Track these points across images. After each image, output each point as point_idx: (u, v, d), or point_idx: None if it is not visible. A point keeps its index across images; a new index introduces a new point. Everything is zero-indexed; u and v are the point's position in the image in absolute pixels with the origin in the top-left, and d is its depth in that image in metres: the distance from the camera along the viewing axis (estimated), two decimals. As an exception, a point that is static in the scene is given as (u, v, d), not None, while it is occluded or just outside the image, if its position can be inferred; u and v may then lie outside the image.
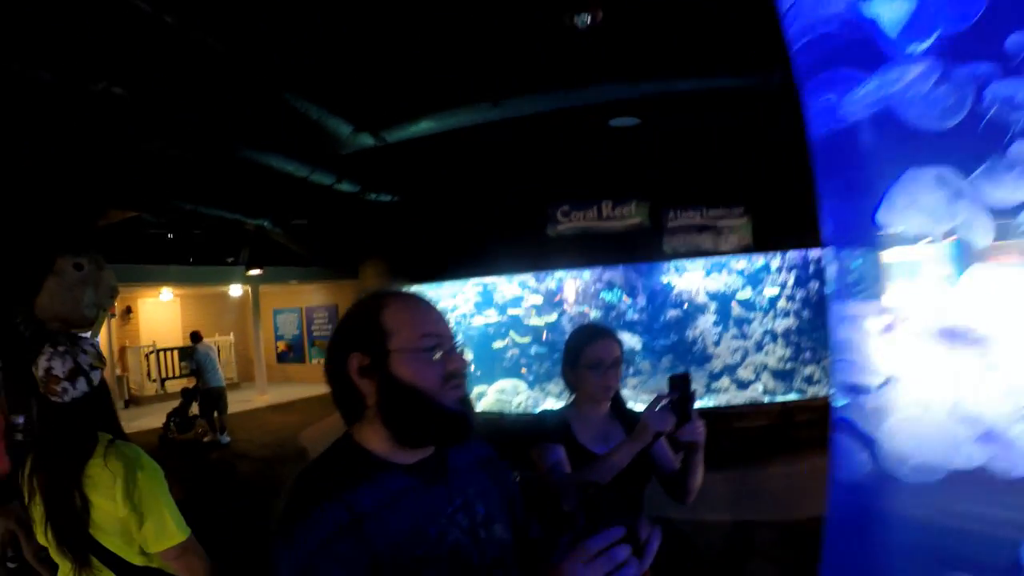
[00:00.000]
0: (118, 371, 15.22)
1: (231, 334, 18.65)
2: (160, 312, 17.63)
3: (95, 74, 4.55)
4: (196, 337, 11.40)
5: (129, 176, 6.97)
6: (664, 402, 2.26)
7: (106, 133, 5.56)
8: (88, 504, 2.09)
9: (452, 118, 5.50)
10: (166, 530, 2.12)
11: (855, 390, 1.98)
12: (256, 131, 5.90)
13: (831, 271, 2.12)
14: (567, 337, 2.66)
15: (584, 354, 2.51)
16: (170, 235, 10.51)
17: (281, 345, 20.10)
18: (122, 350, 16.11)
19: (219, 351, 15.14)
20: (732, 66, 5.06)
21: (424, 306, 1.39)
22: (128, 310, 16.62)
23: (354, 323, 1.37)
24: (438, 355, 1.32)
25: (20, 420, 4.29)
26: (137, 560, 2.16)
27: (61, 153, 5.96)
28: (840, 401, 2.03)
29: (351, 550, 1.16)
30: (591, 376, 2.50)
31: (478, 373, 10.06)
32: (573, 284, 9.62)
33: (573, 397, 2.65)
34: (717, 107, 6.01)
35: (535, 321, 9.70)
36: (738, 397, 8.82)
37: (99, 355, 2.28)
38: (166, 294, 17.35)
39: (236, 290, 17.42)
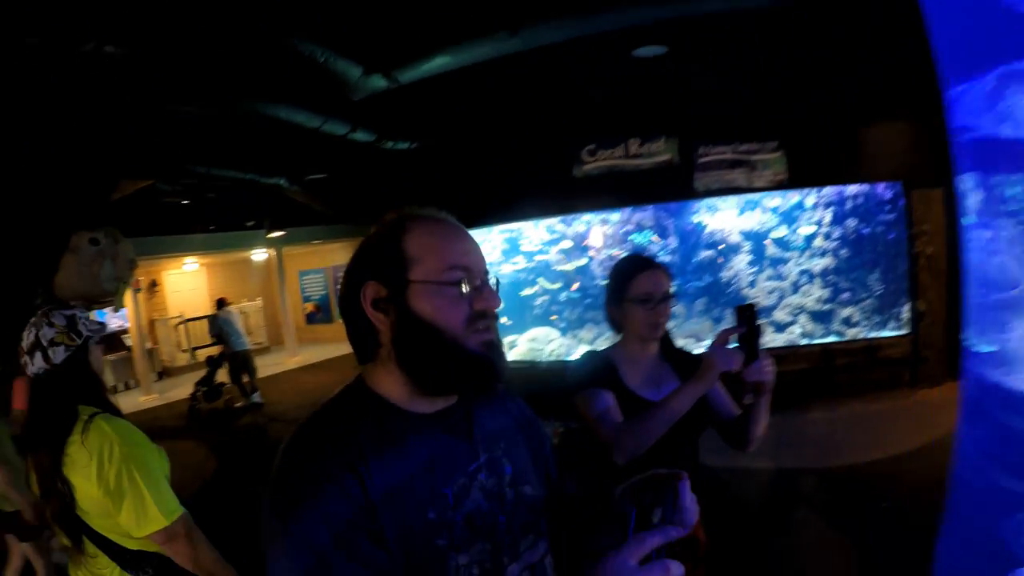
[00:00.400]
0: (148, 344, 15.13)
1: (258, 299, 18.60)
2: (186, 282, 17.65)
3: (83, 33, 4.32)
4: (221, 303, 11.34)
5: (136, 143, 6.80)
6: (731, 337, 2.04)
7: (105, 96, 5.35)
8: (70, 486, 1.94)
9: (468, 52, 5.18)
10: (147, 514, 1.93)
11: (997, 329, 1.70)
12: (261, 81, 5.63)
13: (975, 199, 1.77)
14: (611, 270, 2.41)
15: (631, 287, 2.28)
16: (186, 202, 10.36)
17: (309, 306, 20.08)
18: (151, 323, 16.16)
19: (247, 316, 15.08)
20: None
21: (455, 232, 1.21)
22: (153, 283, 16.71)
23: (373, 248, 1.20)
24: (465, 290, 1.14)
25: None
26: (130, 544, 1.99)
27: (64, 127, 5.80)
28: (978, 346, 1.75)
29: (371, 537, 1.02)
30: (639, 312, 2.27)
31: (509, 323, 9.89)
32: (601, 227, 9.33)
33: (619, 338, 2.41)
34: (749, 32, 5.62)
35: (564, 266, 9.43)
36: (775, 340, 8.51)
37: (72, 332, 2.10)
38: (190, 264, 17.32)
39: (260, 254, 17.20)
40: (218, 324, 10.98)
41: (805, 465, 5.75)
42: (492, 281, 1.21)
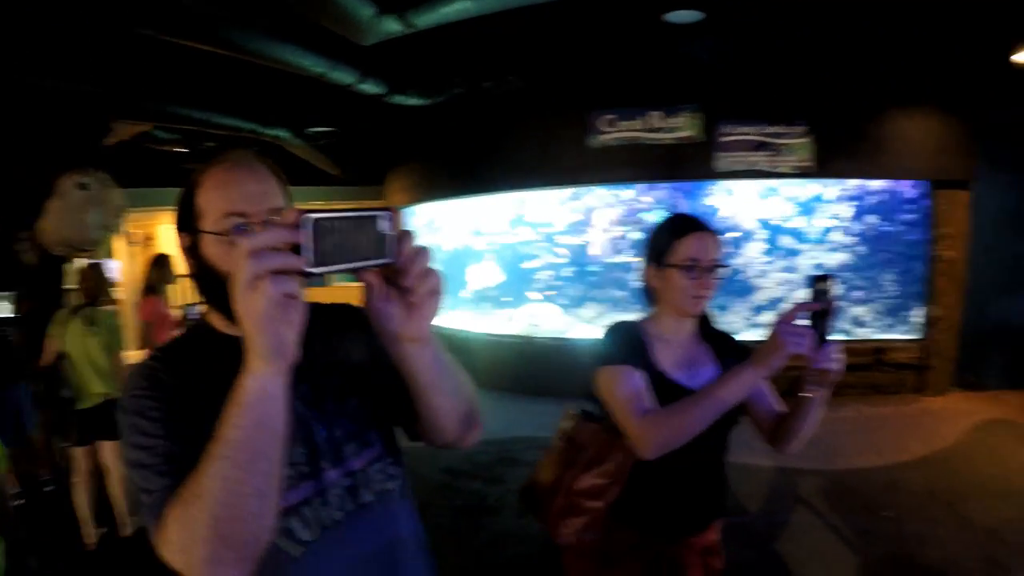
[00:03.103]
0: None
1: None
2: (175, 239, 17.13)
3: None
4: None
5: (131, 81, 6.50)
6: (804, 313, 1.70)
7: (95, 29, 5.07)
8: None
9: (492, -2, 4.84)
10: None
11: None
12: (264, 16, 5.25)
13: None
14: (654, 228, 2.08)
15: (676, 250, 1.96)
16: (183, 150, 10.08)
17: None
18: (145, 276, 15.77)
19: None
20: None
21: (236, 180, 1.27)
22: (148, 238, 16.27)
23: (179, 202, 1.33)
24: (243, 236, 1.15)
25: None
26: None
27: (51, 63, 5.52)
28: None
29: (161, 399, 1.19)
30: (683, 280, 1.94)
31: (509, 299, 9.68)
32: (612, 201, 9.00)
33: (651, 311, 2.11)
34: (794, 7, 5.30)
35: (570, 240, 9.11)
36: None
37: None
38: None
39: None
40: None
41: (807, 466, 5.59)
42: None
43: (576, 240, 9.11)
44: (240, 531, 0.98)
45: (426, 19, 5.07)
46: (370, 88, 6.56)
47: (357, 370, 1.39)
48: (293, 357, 0.96)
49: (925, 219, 7.97)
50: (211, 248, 1.24)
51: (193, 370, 1.24)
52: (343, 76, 6.13)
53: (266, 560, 1.05)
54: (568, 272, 9.22)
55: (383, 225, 0.94)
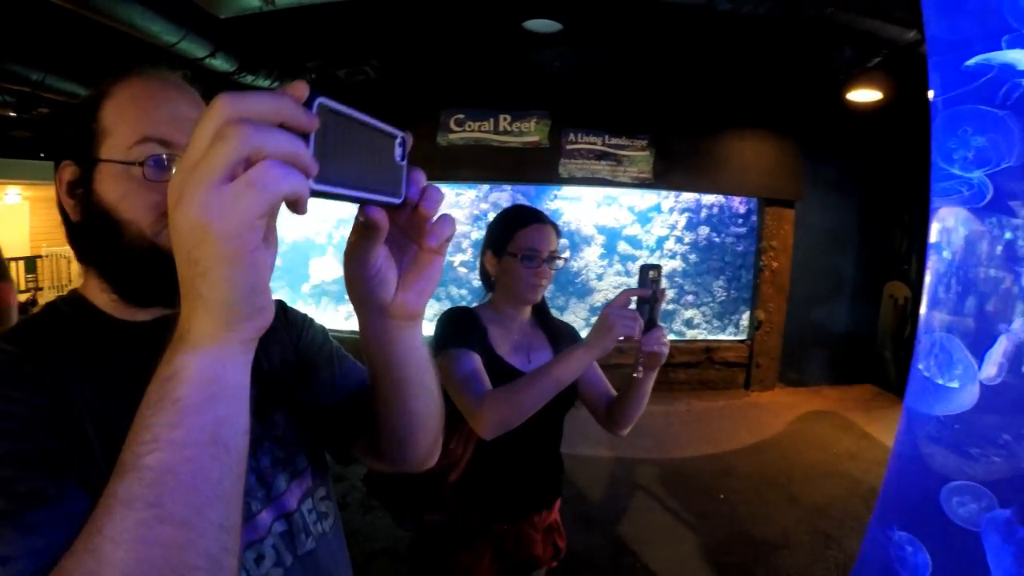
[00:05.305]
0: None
1: None
2: (5, 216, 15.34)
3: None
4: None
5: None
6: (634, 298, 1.77)
7: None
8: None
9: (358, -17, 4.76)
10: None
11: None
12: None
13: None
14: (495, 218, 2.15)
15: (516, 240, 2.02)
16: (13, 114, 9.17)
17: None
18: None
19: (69, 262, 13.74)
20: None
21: (163, 94, 0.92)
22: None
23: (65, 119, 0.95)
24: (160, 173, 0.87)
25: None
26: None
27: None
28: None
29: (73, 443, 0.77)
30: (521, 269, 2.01)
31: (344, 300, 9.45)
32: (455, 200, 9.06)
33: (489, 296, 2.16)
34: (650, 25, 5.54)
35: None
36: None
37: None
38: (12, 196, 15.19)
39: None
40: None
41: (644, 456, 5.79)
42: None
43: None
44: None
45: (286, -2, 4.92)
46: (220, 64, 6.22)
47: (280, 376, 1.07)
48: (268, 323, 0.60)
49: (754, 232, 8.59)
50: (110, 184, 0.88)
51: (68, 365, 0.84)
52: (194, 48, 5.75)
53: None
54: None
55: (397, 152, 0.67)
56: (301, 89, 0.53)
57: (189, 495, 0.55)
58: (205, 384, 0.56)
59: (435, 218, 0.72)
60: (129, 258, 0.86)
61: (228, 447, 0.58)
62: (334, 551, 1.07)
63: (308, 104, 0.53)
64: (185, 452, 0.55)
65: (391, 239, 0.75)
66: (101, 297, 0.93)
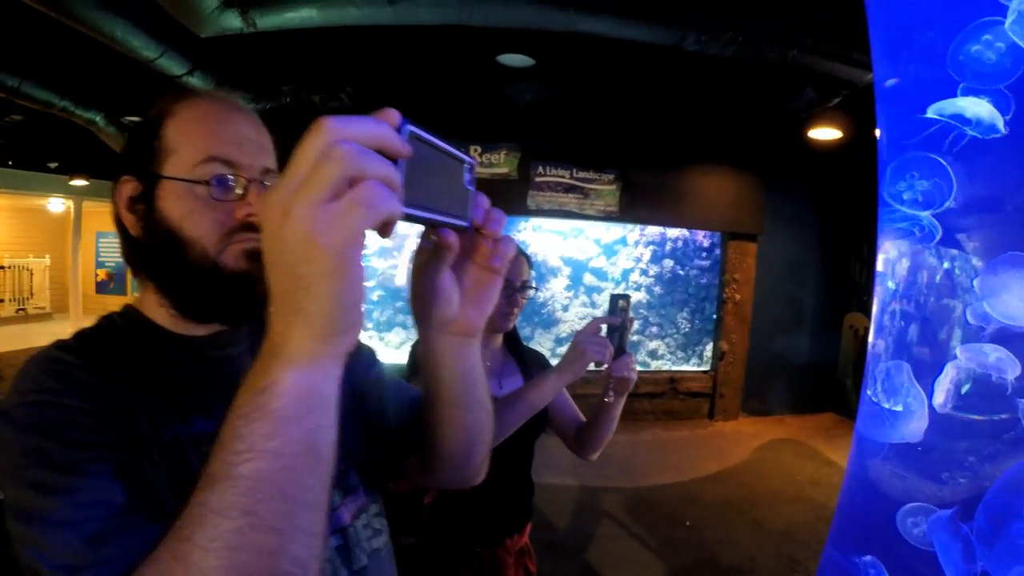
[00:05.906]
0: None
1: (47, 256, 15.70)
2: None
3: None
4: None
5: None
6: (604, 326, 1.87)
7: None
8: None
9: (338, 11, 4.83)
10: None
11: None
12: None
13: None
14: None
15: None
16: None
17: (101, 273, 17.44)
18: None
19: (32, 275, 13.47)
20: (653, 16, 4.70)
21: (227, 116, 0.95)
22: None
23: (134, 135, 0.96)
24: (225, 192, 0.90)
25: None
26: None
27: None
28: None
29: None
30: None
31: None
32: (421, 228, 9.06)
33: None
34: (625, 62, 5.70)
35: (377, 264, 9.09)
36: (582, 365, 8.69)
37: None
38: None
39: (57, 204, 14.62)
40: None
41: (610, 484, 5.85)
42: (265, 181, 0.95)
43: (385, 265, 9.12)
44: None
45: (269, 21, 4.95)
46: (197, 82, 6.20)
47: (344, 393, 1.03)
48: (357, 338, 0.64)
49: (717, 265, 8.79)
50: (174, 202, 0.90)
51: (127, 376, 0.86)
52: (172, 65, 5.74)
53: None
54: (376, 296, 9.21)
55: (466, 177, 0.71)
56: (394, 117, 0.59)
57: (284, 503, 0.59)
58: (302, 396, 0.59)
59: (502, 243, 0.78)
60: (192, 276, 0.89)
61: (321, 456, 0.62)
62: (385, 569, 1.06)
63: (399, 130, 0.59)
64: (282, 461, 0.59)
65: (461, 257, 0.79)
66: (159, 312, 0.95)
